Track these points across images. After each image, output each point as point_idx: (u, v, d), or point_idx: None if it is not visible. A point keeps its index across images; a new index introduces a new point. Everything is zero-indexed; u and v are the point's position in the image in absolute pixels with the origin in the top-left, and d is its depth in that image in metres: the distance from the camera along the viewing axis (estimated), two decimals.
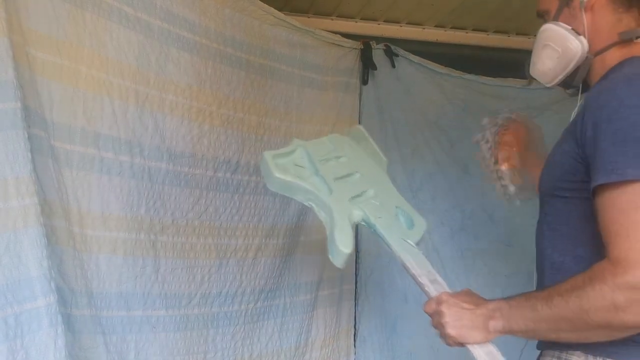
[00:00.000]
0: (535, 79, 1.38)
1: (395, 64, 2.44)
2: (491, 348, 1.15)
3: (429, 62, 2.50)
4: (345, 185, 1.36)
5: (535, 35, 1.34)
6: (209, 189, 1.74)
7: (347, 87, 2.34)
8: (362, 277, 2.38)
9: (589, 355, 1.13)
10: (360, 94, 2.41)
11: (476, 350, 1.15)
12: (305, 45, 2.15)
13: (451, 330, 1.16)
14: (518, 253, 2.43)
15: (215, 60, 1.77)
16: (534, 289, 1.30)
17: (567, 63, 1.26)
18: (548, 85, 1.34)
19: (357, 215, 1.31)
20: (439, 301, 1.20)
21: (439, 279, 1.27)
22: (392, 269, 2.44)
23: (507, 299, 1.16)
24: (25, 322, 1.14)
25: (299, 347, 2.08)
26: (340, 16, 2.49)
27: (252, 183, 1.87)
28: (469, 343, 1.16)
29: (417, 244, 1.37)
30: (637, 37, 1.22)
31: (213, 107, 1.75)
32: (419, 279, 1.26)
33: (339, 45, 2.30)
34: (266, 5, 1.95)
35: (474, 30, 2.66)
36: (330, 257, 1.22)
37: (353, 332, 2.35)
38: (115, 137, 1.46)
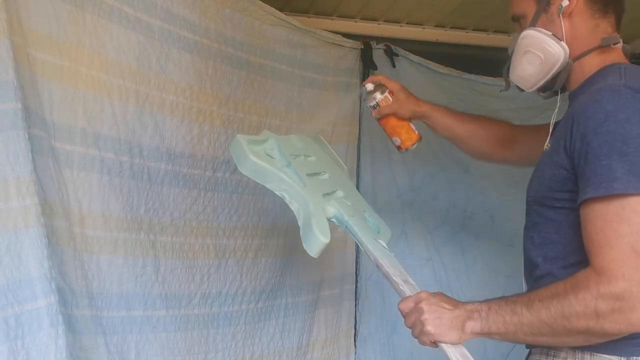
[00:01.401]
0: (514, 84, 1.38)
1: (396, 63, 2.43)
2: (465, 351, 1.16)
3: (429, 62, 2.50)
4: (316, 181, 1.35)
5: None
6: (207, 189, 1.74)
7: (347, 87, 2.34)
8: (363, 278, 2.38)
9: (576, 351, 1.15)
10: (361, 94, 2.41)
11: (451, 351, 1.16)
12: (306, 45, 2.14)
13: (430, 327, 1.16)
14: (519, 253, 2.42)
15: (215, 60, 1.77)
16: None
17: (549, 69, 1.27)
18: (528, 91, 1.35)
19: (330, 211, 1.30)
20: (418, 299, 1.20)
21: (411, 280, 1.28)
22: None
23: (486, 301, 1.18)
24: (26, 323, 1.14)
25: (300, 347, 2.08)
26: (341, 16, 2.49)
27: (251, 183, 1.86)
28: (445, 342, 1.16)
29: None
30: (615, 43, 1.25)
31: (213, 107, 1.75)
32: (393, 277, 1.26)
33: (339, 45, 2.30)
34: (266, 6, 1.95)
35: (474, 30, 2.66)
36: (305, 246, 1.20)
37: (353, 332, 2.36)
38: (115, 138, 1.46)
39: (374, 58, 2.37)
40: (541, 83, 1.30)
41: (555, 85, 1.30)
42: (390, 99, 1.65)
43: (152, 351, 1.53)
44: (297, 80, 2.11)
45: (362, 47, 2.37)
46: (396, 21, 2.56)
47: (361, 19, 2.52)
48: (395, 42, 2.49)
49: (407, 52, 2.46)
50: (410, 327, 1.21)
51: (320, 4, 2.37)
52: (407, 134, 1.66)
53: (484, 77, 2.57)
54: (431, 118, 1.67)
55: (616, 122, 1.06)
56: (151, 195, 1.56)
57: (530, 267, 1.30)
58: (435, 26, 2.61)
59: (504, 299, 1.16)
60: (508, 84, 1.41)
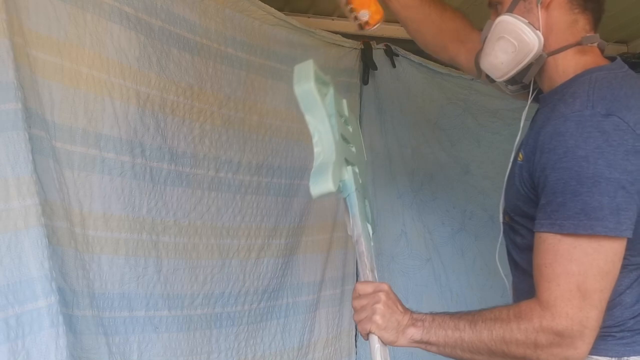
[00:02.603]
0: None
1: (396, 63, 2.43)
2: (388, 355, 1.17)
3: (429, 62, 2.50)
4: (345, 146, 1.31)
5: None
6: (210, 189, 1.74)
7: (347, 87, 2.34)
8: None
9: None
10: (361, 94, 2.41)
11: (378, 347, 1.16)
12: (306, 45, 2.14)
13: (379, 318, 1.16)
14: None
15: (216, 60, 1.77)
16: (509, 295, 1.37)
17: (522, 58, 1.22)
18: (497, 80, 1.31)
19: (345, 175, 1.27)
20: (379, 288, 1.20)
21: (376, 273, 1.27)
22: (393, 269, 2.44)
23: (432, 313, 1.20)
24: (27, 323, 1.14)
25: (301, 348, 2.08)
26: (341, 16, 2.48)
27: (254, 183, 1.87)
28: (382, 338, 1.17)
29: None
30: (593, 43, 1.21)
31: (214, 107, 1.75)
32: (365, 259, 1.25)
33: (339, 45, 2.30)
34: (266, 6, 1.95)
35: None
36: (311, 183, 1.14)
37: (354, 332, 2.36)
38: (117, 138, 1.46)
39: (374, 58, 2.37)
40: (512, 73, 1.25)
41: (525, 77, 1.26)
42: None
43: (155, 351, 1.54)
44: None
45: (362, 47, 2.36)
46: (396, 21, 2.54)
47: None
48: (395, 42, 2.48)
49: (407, 52, 2.45)
50: (356, 309, 1.21)
51: (320, 4, 2.37)
52: (375, 7, 1.54)
53: None
54: None
55: (574, 160, 1.06)
56: (153, 196, 1.56)
57: (515, 270, 1.33)
58: None
59: (448, 314, 1.19)
60: (480, 72, 1.36)
